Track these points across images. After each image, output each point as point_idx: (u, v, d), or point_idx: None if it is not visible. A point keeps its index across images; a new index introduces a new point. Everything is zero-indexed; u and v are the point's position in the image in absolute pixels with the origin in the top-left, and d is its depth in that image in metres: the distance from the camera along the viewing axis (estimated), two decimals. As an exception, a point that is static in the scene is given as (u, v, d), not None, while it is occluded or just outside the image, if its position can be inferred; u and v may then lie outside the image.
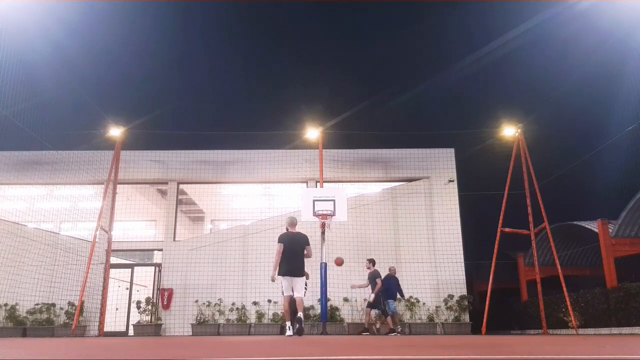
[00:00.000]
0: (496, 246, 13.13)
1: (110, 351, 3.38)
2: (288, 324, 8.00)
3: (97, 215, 12.88)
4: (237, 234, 15.21)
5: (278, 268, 8.11)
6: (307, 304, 13.80)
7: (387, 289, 12.04)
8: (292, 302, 8.22)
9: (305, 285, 8.52)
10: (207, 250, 14.93)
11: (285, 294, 8.24)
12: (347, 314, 14.05)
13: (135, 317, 14.24)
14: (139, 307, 13.97)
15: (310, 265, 12.43)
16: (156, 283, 14.84)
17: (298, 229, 8.57)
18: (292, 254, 8.22)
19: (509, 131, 13.94)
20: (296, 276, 8.17)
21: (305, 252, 8.36)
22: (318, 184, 14.03)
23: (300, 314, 7.97)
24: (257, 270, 14.46)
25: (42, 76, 11.85)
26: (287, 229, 8.48)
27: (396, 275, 12.61)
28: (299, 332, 7.82)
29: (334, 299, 13.86)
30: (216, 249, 14.95)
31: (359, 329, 13.54)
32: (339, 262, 11.84)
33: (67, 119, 14.82)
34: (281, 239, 8.30)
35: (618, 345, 3.68)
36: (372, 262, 12.25)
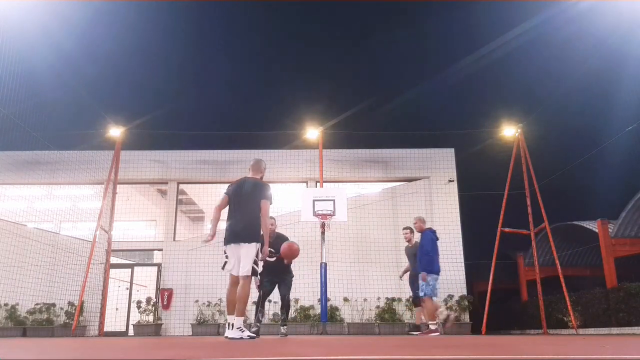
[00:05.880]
0: (496, 246, 13.13)
1: (110, 351, 3.38)
2: (231, 318, 5.40)
3: (97, 215, 12.88)
4: (237, 234, 15.16)
5: (225, 233, 5.61)
6: (307, 303, 13.77)
7: None
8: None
9: (256, 259, 5.39)
10: (207, 250, 14.90)
11: (230, 273, 5.62)
12: (347, 314, 14.04)
13: (135, 317, 14.25)
14: (139, 307, 13.97)
15: (310, 266, 12.52)
16: (156, 283, 14.84)
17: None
18: (236, 208, 5.41)
19: (509, 131, 13.94)
20: (239, 241, 5.35)
21: (261, 208, 5.31)
22: (318, 184, 14.03)
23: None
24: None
25: (42, 76, 11.85)
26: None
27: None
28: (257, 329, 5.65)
29: (334, 299, 13.85)
30: (216, 249, 14.91)
31: (359, 329, 13.52)
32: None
33: (67, 119, 14.83)
34: (228, 189, 5.71)
35: (618, 345, 3.68)
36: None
